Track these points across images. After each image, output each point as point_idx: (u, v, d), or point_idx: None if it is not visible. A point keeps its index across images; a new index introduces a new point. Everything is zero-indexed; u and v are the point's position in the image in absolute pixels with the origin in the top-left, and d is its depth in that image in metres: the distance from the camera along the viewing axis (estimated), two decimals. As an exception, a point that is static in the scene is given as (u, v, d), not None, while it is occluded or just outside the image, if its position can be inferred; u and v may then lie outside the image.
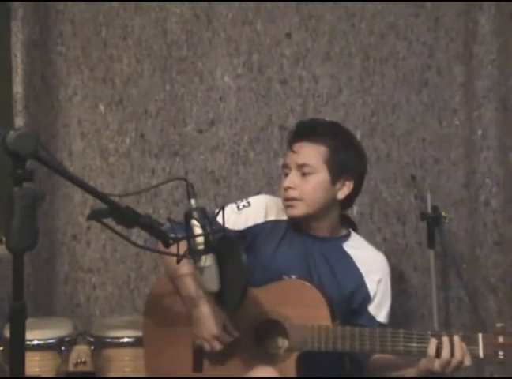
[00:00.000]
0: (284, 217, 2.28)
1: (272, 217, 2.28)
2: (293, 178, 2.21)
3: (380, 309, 2.25)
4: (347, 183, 2.24)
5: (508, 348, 1.94)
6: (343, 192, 2.24)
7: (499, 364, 1.98)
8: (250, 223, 2.26)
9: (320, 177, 2.20)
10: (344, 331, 2.05)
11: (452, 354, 1.96)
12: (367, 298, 2.24)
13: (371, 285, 2.24)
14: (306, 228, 2.27)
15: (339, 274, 2.24)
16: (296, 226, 2.28)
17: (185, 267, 2.19)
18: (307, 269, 2.22)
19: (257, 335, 2.15)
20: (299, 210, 2.21)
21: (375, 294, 2.25)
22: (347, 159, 2.23)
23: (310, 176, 2.20)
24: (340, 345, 2.05)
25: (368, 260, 2.28)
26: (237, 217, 2.26)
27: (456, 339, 1.97)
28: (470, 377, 3.19)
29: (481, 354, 1.96)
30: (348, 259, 2.27)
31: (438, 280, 3.16)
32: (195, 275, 2.17)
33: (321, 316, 2.08)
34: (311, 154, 2.21)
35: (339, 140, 2.24)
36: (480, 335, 1.97)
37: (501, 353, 1.95)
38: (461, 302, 3.25)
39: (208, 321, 2.14)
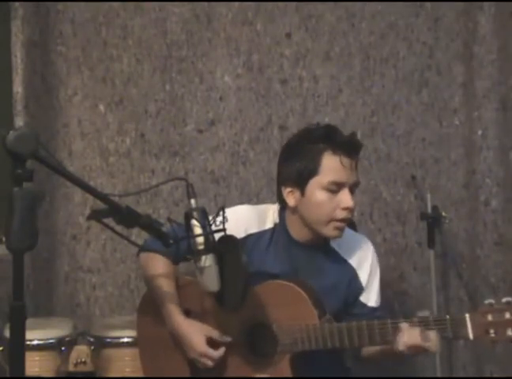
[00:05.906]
0: (267, 226, 2.20)
1: (253, 230, 2.19)
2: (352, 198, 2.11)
3: (369, 295, 2.22)
4: None
5: (499, 326, 1.85)
6: None
7: (492, 343, 1.89)
8: None
9: None
10: (332, 327, 2.01)
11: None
12: (360, 290, 2.21)
13: (363, 276, 2.21)
14: (291, 234, 2.20)
15: (329, 274, 2.19)
16: (281, 233, 2.20)
17: (160, 279, 2.18)
18: (295, 274, 2.16)
19: (247, 340, 2.12)
20: (343, 231, 2.16)
21: (366, 284, 2.22)
22: None
23: (353, 194, 2.12)
24: (330, 342, 2.01)
25: (356, 250, 2.23)
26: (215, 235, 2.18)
27: (403, 325, 1.93)
28: (470, 377, 3.20)
29: (471, 336, 1.87)
30: (336, 257, 2.22)
31: (438, 280, 3.16)
32: (169, 287, 2.18)
33: (307, 313, 2.05)
34: (356, 171, 2.14)
35: None
36: (467, 316, 1.88)
37: (492, 331, 1.85)
38: (461, 302, 3.25)
39: (191, 340, 2.11)
